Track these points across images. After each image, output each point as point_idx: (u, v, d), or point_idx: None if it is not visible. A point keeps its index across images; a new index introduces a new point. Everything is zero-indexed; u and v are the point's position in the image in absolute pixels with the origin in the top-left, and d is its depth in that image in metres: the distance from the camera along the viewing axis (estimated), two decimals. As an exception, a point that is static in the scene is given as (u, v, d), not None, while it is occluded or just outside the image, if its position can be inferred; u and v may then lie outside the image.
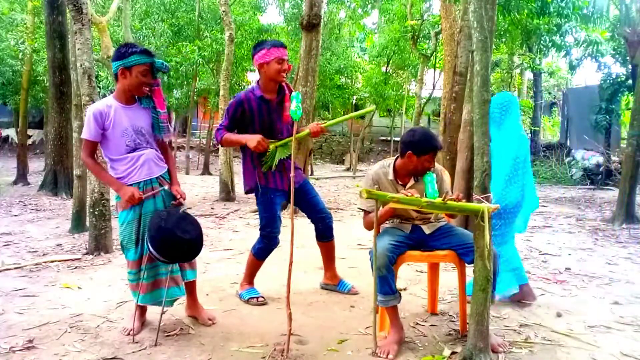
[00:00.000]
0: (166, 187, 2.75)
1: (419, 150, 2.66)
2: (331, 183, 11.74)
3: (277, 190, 3.21)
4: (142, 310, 2.79)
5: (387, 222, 2.90)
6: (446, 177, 2.87)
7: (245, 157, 3.25)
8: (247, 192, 3.31)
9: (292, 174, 2.70)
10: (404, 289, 3.51)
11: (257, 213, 6.37)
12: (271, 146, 3.06)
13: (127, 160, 2.65)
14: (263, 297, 3.25)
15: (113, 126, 2.62)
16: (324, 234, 3.39)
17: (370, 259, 2.62)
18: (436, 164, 2.83)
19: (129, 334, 2.65)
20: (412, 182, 2.77)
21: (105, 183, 2.68)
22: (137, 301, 2.69)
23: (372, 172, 2.84)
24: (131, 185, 2.64)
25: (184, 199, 2.81)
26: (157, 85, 2.73)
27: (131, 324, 2.70)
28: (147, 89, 2.68)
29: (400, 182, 2.78)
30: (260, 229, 3.27)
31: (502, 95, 3.36)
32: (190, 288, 2.90)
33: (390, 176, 2.79)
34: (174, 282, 2.73)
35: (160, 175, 2.75)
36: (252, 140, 3.01)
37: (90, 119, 2.60)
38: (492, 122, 3.10)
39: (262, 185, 3.19)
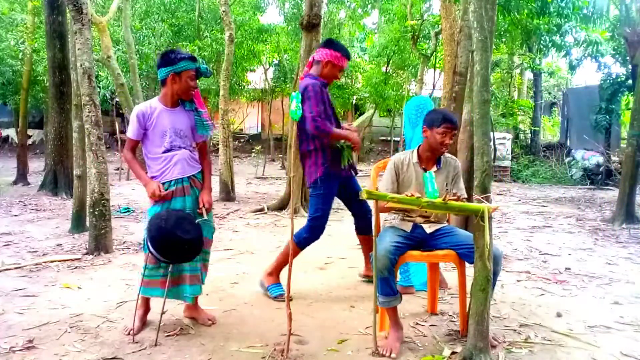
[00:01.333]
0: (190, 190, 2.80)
1: (431, 122, 2.70)
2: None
3: (339, 178, 3.32)
4: (143, 310, 2.80)
5: (387, 219, 2.90)
6: (461, 177, 2.86)
7: (317, 149, 3.26)
8: (312, 185, 3.32)
9: (292, 175, 2.70)
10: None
11: (258, 213, 6.36)
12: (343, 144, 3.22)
13: (162, 160, 2.75)
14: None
15: (154, 127, 2.73)
16: (363, 230, 3.50)
17: (371, 260, 2.62)
18: (454, 159, 2.84)
19: (129, 334, 2.65)
20: (434, 168, 2.76)
21: (136, 176, 2.84)
22: (159, 296, 2.71)
23: (394, 157, 2.86)
24: (164, 183, 2.72)
25: (208, 210, 2.82)
26: (197, 88, 2.82)
27: (132, 324, 2.71)
28: (193, 92, 2.78)
29: (423, 167, 2.78)
30: (312, 219, 3.29)
31: (418, 98, 3.68)
32: None
33: (415, 159, 2.79)
34: (196, 280, 2.79)
35: (193, 175, 2.82)
36: (354, 136, 3.23)
37: (134, 118, 2.73)
38: (409, 123, 3.34)
39: (331, 173, 3.26)
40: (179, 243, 2.53)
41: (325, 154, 3.25)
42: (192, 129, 2.84)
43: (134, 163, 2.81)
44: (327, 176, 3.24)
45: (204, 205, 2.80)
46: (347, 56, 3.33)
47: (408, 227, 2.79)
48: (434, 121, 2.70)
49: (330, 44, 3.32)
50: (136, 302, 2.75)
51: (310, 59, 3.39)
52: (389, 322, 2.64)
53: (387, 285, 2.51)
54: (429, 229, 2.78)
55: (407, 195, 2.38)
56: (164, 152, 2.75)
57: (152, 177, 2.76)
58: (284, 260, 3.33)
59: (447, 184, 2.78)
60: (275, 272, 3.37)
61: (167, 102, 2.78)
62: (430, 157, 2.80)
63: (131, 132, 2.76)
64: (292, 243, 2.64)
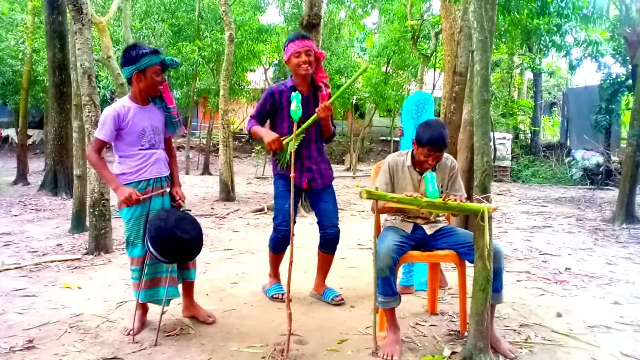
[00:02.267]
0: (167, 190, 2.79)
1: (418, 138, 2.65)
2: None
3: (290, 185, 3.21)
4: (143, 310, 2.80)
5: (388, 220, 2.90)
6: (458, 177, 2.83)
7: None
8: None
9: (292, 174, 2.70)
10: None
11: (258, 213, 6.33)
12: (284, 143, 3.06)
13: (139, 157, 2.70)
14: (282, 294, 3.27)
15: (130, 126, 2.66)
16: (325, 245, 3.28)
17: (373, 260, 2.61)
18: (449, 159, 2.81)
19: (129, 334, 2.65)
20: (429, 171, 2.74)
21: (105, 180, 2.74)
22: (140, 299, 2.69)
23: (389, 158, 2.83)
24: (140, 181, 2.68)
25: (183, 201, 2.83)
26: (164, 82, 2.76)
27: (132, 324, 2.71)
28: (161, 87, 2.73)
29: (417, 169, 2.75)
30: (273, 220, 3.29)
31: (419, 93, 3.63)
32: (189, 288, 2.91)
33: (408, 162, 2.77)
34: (172, 282, 2.74)
35: (167, 176, 2.80)
36: (267, 136, 3.04)
37: (107, 119, 2.62)
38: (410, 118, 3.33)
39: (279, 173, 3.22)
40: (178, 243, 2.53)
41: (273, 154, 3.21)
42: (163, 125, 2.82)
43: (101, 165, 2.70)
44: (277, 176, 3.24)
45: (180, 198, 2.78)
46: (291, 39, 3.07)
47: (408, 228, 2.78)
48: (420, 140, 2.62)
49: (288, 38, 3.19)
50: (136, 303, 2.75)
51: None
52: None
53: (388, 285, 2.49)
54: (429, 230, 2.78)
55: (406, 195, 2.38)
56: (142, 149, 2.70)
57: (122, 174, 2.68)
58: (270, 264, 3.40)
59: (443, 185, 2.76)
60: (271, 275, 3.42)
61: (137, 100, 2.71)
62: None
63: (102, 133, 2.64)
64: (291, 242, 2.64)
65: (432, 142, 2.59)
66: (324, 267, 3.36)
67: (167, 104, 2.79)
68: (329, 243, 3.25)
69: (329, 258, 3.33)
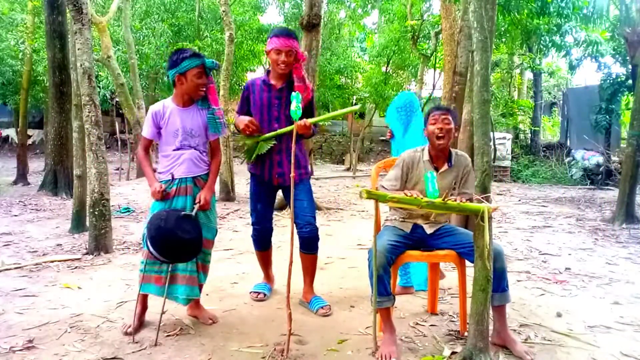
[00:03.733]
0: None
1: (425, 120, 2.79)
2: (331, 183, 11.73)
3: (263, 181, 3.17)
4: (142, 308, 2.79)
5: (388, 219, 2.90)
6: (471, 176, 2.77)
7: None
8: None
9: (292, 174, 2.70)
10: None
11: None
12: (254, 139, 3.04)
13: (170, 158, 2.80)
14: (263, 294, 3.30)
15: (167, 126, 2.78)
16: (304, 245, 3.13)
17: (368, 259, 2.61)
18: (465, 157, 2.81)
19: (127, 331, 2.66)
20: (445, 167, 2.75)
21: (145, 175, 2.88)
22: (155, 293, 2.72)
23: (405, 154, 2.82)
24: (168, 180, 2.76)
25: (203, 207, 2.78)
26: (212, 83, 2.82)
27: (131, 320, 2.71)
28: (204, 89, 2.78)
29: (434, 164, 2.76)
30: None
31: (403, 95, 3.59)
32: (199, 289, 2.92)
33: (425, 157, 2.77)
34: (192, 282, 2.76)
35: (199, 176, 2.83)
36: (241, 121, 3.05)
37: (148, 118, 2.80)
38: (400, 123, 3.33)
39: (250, 172, 3.22)
40: (178, 243, 2.54)
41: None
42: (204, 128, 2.84)
43: (144, 162, 2.87)
44: (250, 174, 3.26)
45: (199, 202, 2.76)
46: (275, 34, 2.99)
47: (408, 227, 2.78)
48: (426, 118, 2.78)
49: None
50: (136, 300, 2.75)
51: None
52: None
53: (381, 284, 2.49)
54: (429, 229, 2.77)
55: (406, 195, 2.38)
56: (174, 150, 2.78)
57: (160, 173, 2.83)
58: (259, 263, 3.45)
59: (457, 182, 2.75)
60: (263, 275, 3.46)
61: (178, 101, 2.81)
62: (439, 155, 2.76)
63: (145, 131, 2.82)
64: (292, 243, 2.64)
65: (433, 109, 2.75)
66: (307, 269, 3.20)
67: (212, 104, 2.83)
68: (306, 242, 3.10)
69: (311, 259, 3.17)
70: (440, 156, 2.76)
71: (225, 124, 2.95)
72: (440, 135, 2.66)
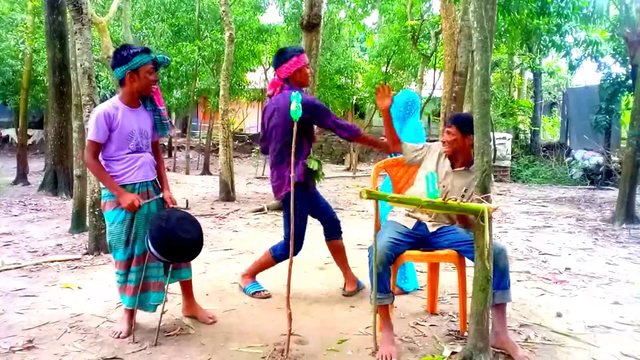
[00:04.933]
0: (161, 195, 2.77)
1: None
2: (331, 183, 11.73)
3: (307, 192, 3.25)
4: (131, 312, 2.73)
5: (393, 213, 2.90)
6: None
7: (296, 159, 3.06)
8: (285, 199, 3.17)
9: (292, 174, 2.70)
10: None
11: (258, 213, 6.28)
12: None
13: (125, 160, 2.66)
14: (266, 291, 3.33)
15: (119, 128, 2.62)
16: (332, 232, 3.42)
17: (368, 256, 2.61)
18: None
19: (118, 337, 2.63)
20: (462, 168, 2.80)
21: (106, 186, 2.67)
22: (125, 304, 2.68)
23: (435, 144, 2.93)
24: (126, 185, 2.64)
25: (175, 204, 2.81)
26: (157, 80, 2.74)
27: (120, 327, 2.69)
28: (155, 87, 2.72)
29: (452, 160, 2.83)
30: (287, 237, 3.20)
31: (407, 93, 3.62)
32: (187, 287, 2.90)
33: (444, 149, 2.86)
34: (159, 287, 2.72)
35: (154, 180, 2.78)
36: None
37: (99, 120, 2.57)
38: (396, 119, 3.35)
39: (303, 190, 3.17)
40: (179, 243, 2.53)
41: (298, 167, 3.14)
42: (152, 128, 2.80)
43: (101, 172, 2.62)
44: (301, 192, 3.15)
45: (171, 203, 2.76)
46: (300, 51, 3.23)
47: (411, 224, 2.77)
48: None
49: (281, 55, 3.20)
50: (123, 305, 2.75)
51: (274, 79, 3.24)
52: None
53: (380, 281, 2.50)
54: (431, 227, 2.77)
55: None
56: (129, 153, 2.66)
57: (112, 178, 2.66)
58: (260, 269, 3.42)
59: (467, 188, 2.72)
60: (249, 275, 3.42)
61: (128, 101, 2.67)
62: (458, 157, 2.83)
63: (95, 134, 2.57)
64: (292, 242, 2.64)
65: (449, 120, 2.85)
66: (343, 257, 3.50)
67: (157, 105, 2.77)
68: (337, 225, 3.46)
69: (342, 244, 3.50)
70: (460, 157, 2.82)
71: (171, 123, 2.89)
72: (444, 147, 2.82)
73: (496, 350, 2.44)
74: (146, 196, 2.70)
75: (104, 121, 2.58)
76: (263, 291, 3.34)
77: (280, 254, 3.32)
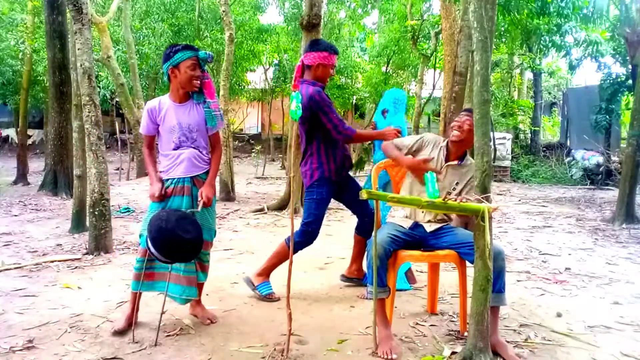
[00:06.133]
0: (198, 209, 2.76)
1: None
2: (331, 183, 11.73)
3: (332, 182, 3.28)
4: (132, 308, 2.73)
5: (389, 216, 2.91)
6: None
7: (313, 152, 3.26)
8: (308, 188, 3.30)
9: (291, 174, 2.70)
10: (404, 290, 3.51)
11: (258, 213, 6.29)
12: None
13: (170, 157, 2.78)
14: (276, 294, 3.33)
15: (163, 123, 2.75)
16: (361, 232, 3.47)
17: (367, 249, 2.63)
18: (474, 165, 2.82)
19: (115, 330, 2.65)
20: (455, 162, 2.83)
21: (148, 174, 2.89)
22: (139, 289, 2.72)
23: (429, 135, 2.96)
24: (167, 180, 2.76)
25: (205, 203, 2.76)
26: (207, 78, 2.79)
27: (119, 322, 2.71)
28: (198, 82, 2.75)
29: (447, 155, 2.85)
30: (305, 224, 3.26)
31: (395, 91, 3.69)
32: (198, 289, 2.91)
33: (443, 144, 2.88)
34: (190, 282, 2.76)
35: (198, 176, 2.81)
36: (388, 134, 3.22)
37: (145, 114, 2.79)
38: (383, 114, 3.36)
39: (326, 178, 3.24)
40: (179, 243, 2.53)
41: (320, 157, 3.24)
42: (203, 123, 2.80)
43: (148, 160, 2.84)
44: (322, 181, 3.24)
45: (202, 199, 2.75)
46: (335, 51, 3.28)
47: (408, 224, 2.79)
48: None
49: (315, 44, 3.27)
50: (131, 295, 2.77)
51: (299, 63, 3.32)
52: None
53: (377, 275, 2.51)
54: (429, 227, 2.78)
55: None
56: (174, 149, 2.76)
57: (161, 172, 2.81)
58: (275, 263, 3.35)
59: (458, 184, 2.78)
60: (265, 273, 3.36)
61: (174, 97, 2.78)
62: (454, 152, 2.85)
63: (142, 127, 2.82)
64: (292, 243, 2.64)
65: (463, 111, 2.93)
66: (360, 251, 3.54)
67: (207, 97, 2.79)
68: (369, 229, 3.44)
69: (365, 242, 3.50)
70: (454, 152, 2.84)
71: (222, 117, 2.91)
72: (456, 131, 2.80)
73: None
74: (182, 192, 2.76)
75: (148, 115, 2.77)
76: (274, 294, 3.29)
77: (296, 242, 3.25)
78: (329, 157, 3.24)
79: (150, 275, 2.75)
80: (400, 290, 3.46)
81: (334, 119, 3.16)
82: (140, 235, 2.79)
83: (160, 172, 2.81)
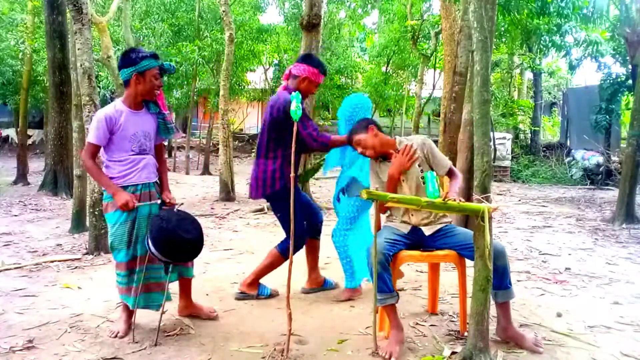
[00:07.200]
0: (158, 202, 2.78)
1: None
2: (331, 183, 11.73)
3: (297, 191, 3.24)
4: (128, 312, 2.73)
5: (387, 220, 2.90)
6: (435, 149, 2.83)
7: (284, 156, 3.15)
8: (274, 198, 3.22)
9: (292, 174, 2.70)
10: (402, 289, 3.51)
11: (258, 213, 6.28)
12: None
13: (128, 162, 2.67)
14: (275, 288, 3.39)
15: (121, 130, 2.63)
16: (313, 231, 3.45)
17: (367, 256, 2.62)
18: (413, 141, 2.82)
19: (115, 336, 2.64)
20: (388, 161, 2.84)
21: (101, 185, 2.72)
22: (130, 305, 2.68)
23: (424, 137, 2.93)
24: (128, 186, 2.65)
25: (174, 204, 2.82)
26: (161, 86, 2.77)
27: (118, 326, 2.69)
28: (158, 92, 2.73)
29: (380, 159, 2.88)
30: (289, 236, 3.21)
31: (356, 97, 3.53)
32: (186, 286, 2.91)
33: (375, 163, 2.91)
34: (162, 288, 2.73)
35: (155, 181, 2.79)
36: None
37: (100, 123, 2.59)
38: (344, 121, 3.31)
39: (288, 188, 3.16)
40: (180, 243, 2.53)
41: (283, 166, 3.17)
42: (155, 131, 2.80)
43: (98, 171, 2.67)
44: (286, 191, 3.11)
45: (170, 202, 2.77)
46: (324, 72, 3.27)
47: (406, 229, 2.77)
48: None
49: (308, 58, 3.27)
50: (122, 305, 2.76)
51: (287, 71, 3.29)
52: (388, 323, 2.63)
53: (382, 282, 2.50)
54: (428, 231, 2.76)
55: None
56: (132, 154, 2.67)
57: (110, 179, 2.66)
58: (266, 272, 3.34)
59: (421, 164, 2.75)
60: (255, 282, 3.35)
61: (130, 104, 2.69)
62: (382, 152, 2.85)
63: (95, 137, 2.60)
64: (292, 243, 2.64)
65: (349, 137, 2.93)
66: (314, 257, 3.54)
67: (162, 109, 2.79)
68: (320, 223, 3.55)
69: (318, 244, 3.54)
70: (382, 151, 2.83)
71: (176, 127, 2.90)
72: (363, 154, 2.85)
73: (504, 342, 2.55)
74: (148, 197, 2.70)
75: (105, 125, 2.59)
76: (274, 289, 3.37)
77: (288, 247, 3.26)
78: (289, 166, 3.16)
79: (147, 287, 2.71)
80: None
81: (309, 126, 3.13)
82: (113, 249, 2.72)
83: (110, 178, 2.65)
